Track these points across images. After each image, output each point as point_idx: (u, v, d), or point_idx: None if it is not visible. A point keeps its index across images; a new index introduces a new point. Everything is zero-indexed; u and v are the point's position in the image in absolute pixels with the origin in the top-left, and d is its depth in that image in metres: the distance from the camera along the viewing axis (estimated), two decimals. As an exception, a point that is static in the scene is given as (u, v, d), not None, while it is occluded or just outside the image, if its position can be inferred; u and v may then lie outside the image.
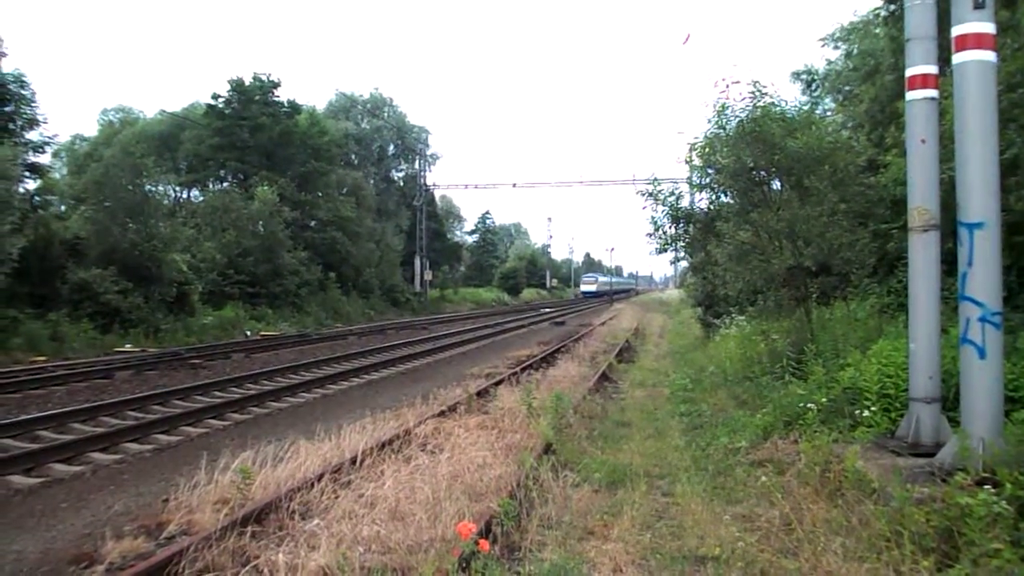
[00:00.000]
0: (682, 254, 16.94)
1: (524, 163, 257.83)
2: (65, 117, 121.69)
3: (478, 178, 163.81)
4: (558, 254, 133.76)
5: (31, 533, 6.84)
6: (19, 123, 29.91)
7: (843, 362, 9.19)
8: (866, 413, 7.70)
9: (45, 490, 8.32)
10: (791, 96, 14.93)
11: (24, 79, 29.97)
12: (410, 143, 71.03)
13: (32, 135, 30.42)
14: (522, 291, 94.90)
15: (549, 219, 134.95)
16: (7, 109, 29.22)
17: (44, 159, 34.72)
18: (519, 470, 7.58)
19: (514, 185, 64.43)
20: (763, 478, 7.10)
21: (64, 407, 12.43)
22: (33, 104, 30.38)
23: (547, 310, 57.83)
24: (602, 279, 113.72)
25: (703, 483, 7.43)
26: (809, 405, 8.35)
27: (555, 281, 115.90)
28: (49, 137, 31.82)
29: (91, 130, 60.93)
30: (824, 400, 8.38)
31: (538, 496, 6.92)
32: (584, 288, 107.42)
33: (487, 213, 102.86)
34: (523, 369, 17.00)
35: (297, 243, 41.63)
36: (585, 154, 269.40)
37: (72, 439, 10.35)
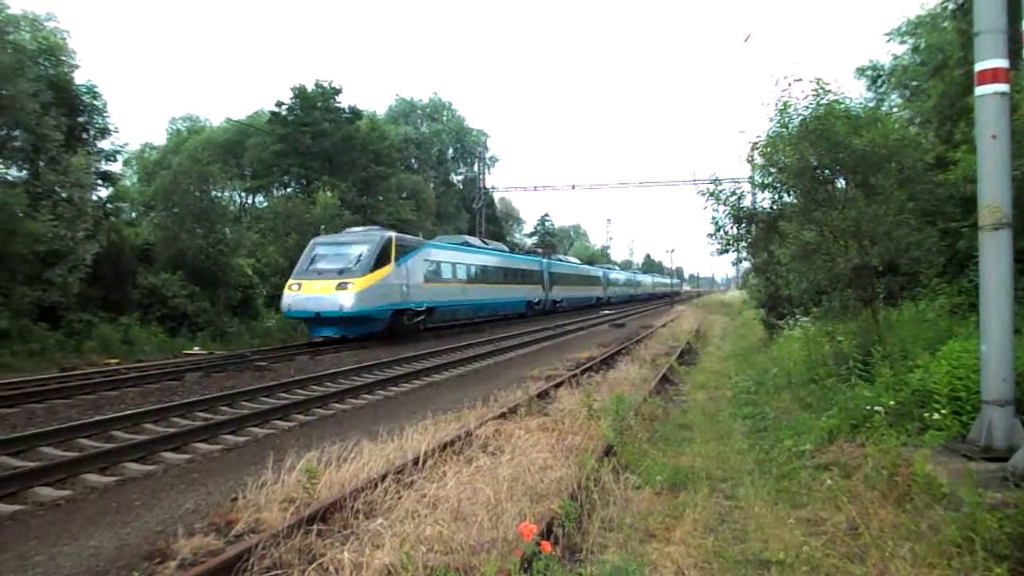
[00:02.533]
0: (744, 255, 16.72)
1: (583, 165, 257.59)
2: (135, 126, 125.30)
3: (537, 180, 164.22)
4: (618, 255, 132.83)
5: (107, 529, 7.07)
6: (91, 133, 30.89)
7: (912, 364, 8.98)
8: (936, 416, 7.52)
9: (120, 488, 8.59)
10: (855, 93, 14.63)
11: (96, 90, 30.94)
12: (469, 146, 71.56)
13: (104, 144, 31.40)
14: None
15: (608, 221, 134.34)
16: (80, 119, 30.17)
17: (115, 167, 35.82)
18: (580, 472, 7.58)
19: (573, 187, 64.70)
20: (828, 482, 6.99)
21: (137, 408, 12.79)
22: (105, 114, 31.38)
23: (606, 312, 57.58)
24: (436, 254, 32.36)
25: (767, 486, 7.34)
26: (876, 408, 8.20)
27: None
28: (120, 146, 32.79)
29: (160, 138, 62.73)
30: (892, 403, 8.21)
31: (599, 498, 6.91)
32: (291, 303, 25.55)
33: (546, 215, 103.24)
34: (583, 371, 16.97)
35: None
36: (645, 155, 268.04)
37: (145, 439, 10.66)
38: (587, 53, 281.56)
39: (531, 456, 8.20)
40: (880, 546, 5.30)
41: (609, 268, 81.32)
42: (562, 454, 8.56)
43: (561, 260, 59.48)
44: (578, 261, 69.65)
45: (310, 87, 48.23)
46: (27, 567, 6.10)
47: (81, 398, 14.35)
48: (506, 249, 48.13)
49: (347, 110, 49.65)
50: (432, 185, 65.22)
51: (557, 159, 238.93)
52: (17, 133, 27.07)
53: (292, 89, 47.80)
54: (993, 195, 6.85)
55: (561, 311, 53.21)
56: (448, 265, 32.38)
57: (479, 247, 40.67)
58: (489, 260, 39.91)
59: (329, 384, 16.51)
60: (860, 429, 8.33)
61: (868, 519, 5.83)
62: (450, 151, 72.36)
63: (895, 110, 20.15)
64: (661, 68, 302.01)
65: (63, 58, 30.53)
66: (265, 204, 48.74)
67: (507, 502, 6.50)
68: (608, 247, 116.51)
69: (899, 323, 11.71)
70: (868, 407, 8.40)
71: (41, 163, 24.28)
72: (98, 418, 11.76)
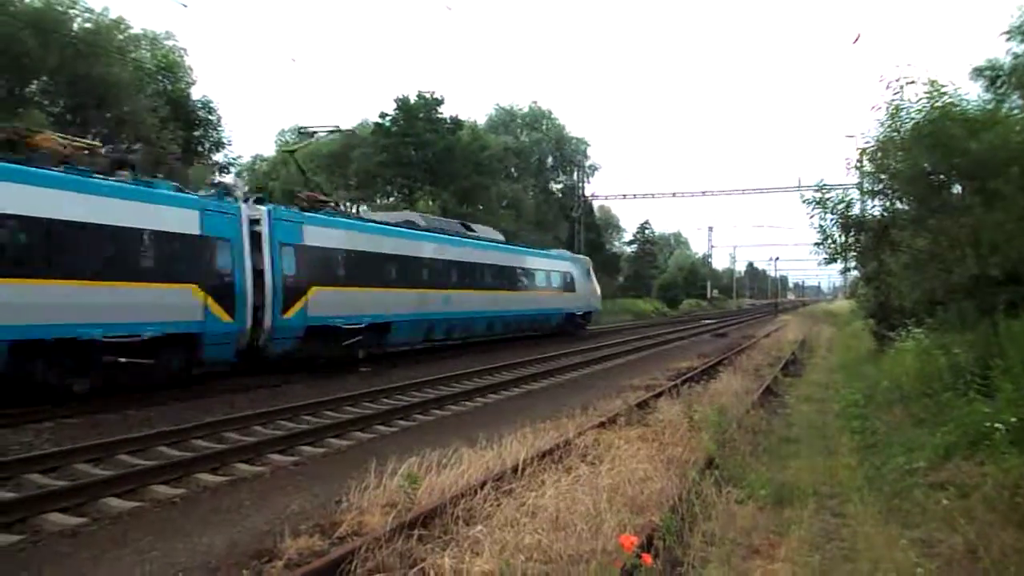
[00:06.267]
0: (853, 264, 16.18)
1: (684, 172, 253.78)
2: (246, 138, 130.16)
3: (637, 188, 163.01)
4: (719, 264, 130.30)
5: (217, 528, 7.33)
6: (207, 145, 32.34)
7: (1036, 379, 8.52)
8: (1063, 435, 7.11)
9: (230, 488, 8.90)
10: (972, 94, 14.00)
11: (211, 105, 32.43)
12: (569, 155, 71.51)
13: (218, 156, 32.85)
14: (681, 302, 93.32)
15: (710, 228, 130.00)
16: (196, 133, 31.58)
17: (228, 179, 37.34)
18: (681, 484, 7.48)
19: (674, 194, 64.10)
20: (944, 501, 6.68)
21: (247, 411, 13.22)
22: (219, 128, 32.84)
23: (708, 321, 56.59)
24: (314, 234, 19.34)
25: (877, 504, 7.06)
26: (997, 425, 7.78)
27: (716, 292, 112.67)
28: (233, 158, 34.25)
29: (269, 150, 64.97)
30: (1014, 419, 7.78)
31: (701, 511, 6.78)
32: None
33: (646, 223, 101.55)
34: (684, 381, 16.71)
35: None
36: (747, 161, 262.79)
37: (254, 441, 11.06)
38: (689, 60, 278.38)
39: (631, 466, 8.13)
40: (1002, 571, 5.04)
41: None
42: (662, 465, 8.46)
43: None
44: None
45: (413, 98, 49.12)
46: (144, 561, 6.38)
47: (196, 401, 14.87)
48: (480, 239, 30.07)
49: (449, 120, 50.35)
50: (531, 194, 65.49)
51: (658, 167, 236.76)
52: (138, 146, 28.50)
53: (395, 100, 48.88)
54: None
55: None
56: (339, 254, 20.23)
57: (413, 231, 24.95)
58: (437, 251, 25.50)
59: (429, 390, 16.74)
60: (979, 447, 7.93)
61: (988, 542, 5.54)
62: (549, 160, 72.41)
63: (1016, 112, 19.18)
64: (765, 72, 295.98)
65: (180, 74, 32.03)
66: (370, 213, 49.91)
67: (607, 512, 6.46)
68: (710, 255, 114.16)
69: (1021, 336, 11.12)
70: (987, 424, 7.98)
71: (160, 175, 25.41)
72: (210, 420, 12.22)
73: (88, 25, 29.06)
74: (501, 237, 33.36)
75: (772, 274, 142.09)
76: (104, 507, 7.98)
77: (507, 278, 30.43)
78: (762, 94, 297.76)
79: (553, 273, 35.39)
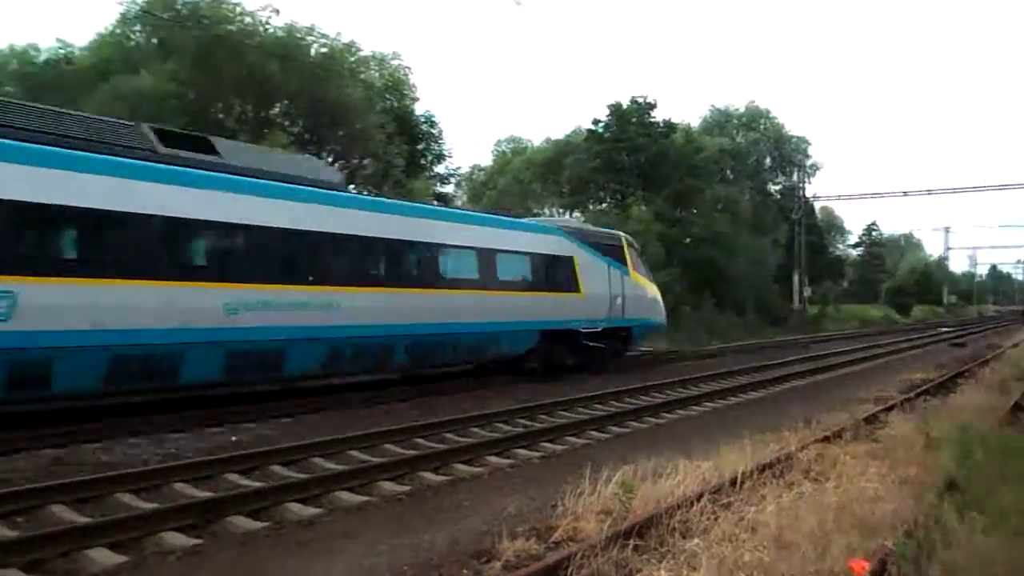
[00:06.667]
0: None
1: (915, 168, 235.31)
2: (465, 149, 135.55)
3: (863, 187, 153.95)
4: (956, 267, 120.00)
5: (439, 526, 7.59)
6: (429, 158, 33.91)
7: None
8: None
9: (450, 487, 9.20)
10: None
11: (433, 119, 33.95)
12: (788, 154, 68.65)
13: (439, 168, 34.33)
14: (912, 309, 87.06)
15: (946, 229, 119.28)
16: (419, 147, 33.18)
17: (448, 189, 38.99)
18: (916, 507, 6.95)
19: (904, 193, 59.70)
20: None
21: (464, 413, 13.67)
22: (440, 141, 34.35)
23: (944, 330, 52.51)
24: None
25: None
26: None
27: (953, 298, 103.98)
28: (453, 169, 35.68)
29: (486, 160, 67.11)
30: None
31: (940, 538, 6.26)
32: None
33: (873, 224, 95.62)
34: (917, 394, 15.58)
35: (671, 259, 41.99)
36: (988, 154, 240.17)
37: (472, 442, 11.40)
38: (919, 44, 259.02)
39: (859, 484, 7.67)
40: None
41: None
42: (894, 485, 7.92)
43: None
44: None
45: (625, 103, 49.08)
46: (373, 554, 6.70)
47: (424, 400, 15.59)
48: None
49: (661, 124, 49.83)
50: (748, 196, 63.38)
51: (887, 163, 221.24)
52: (367, 162, 30.45)
53: (608, 107, 48.98)
54: None
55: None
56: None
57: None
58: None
59: (643, 397, 16.63)
60: None
61: None
62: (767, 160, 69.83)
63: None
64: (1009, 54, 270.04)
65: (405, 92, 33.81)
66: (582, 219, 50.39)
67: (833, 533, 6.11)
68: (946, 258, 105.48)
69: None
70: None
71: (387, 188, 26.96)
72: (432, 420, 12.74)
73: (324, 50, 31.33)
74: (340, 177, 18.48)
75: (1020, 278, 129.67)
76: (337, 500, 8.49)
77: (358, 259, 15.62)
78: (1006, 79, 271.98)
79: (511, 257, 19.16)
